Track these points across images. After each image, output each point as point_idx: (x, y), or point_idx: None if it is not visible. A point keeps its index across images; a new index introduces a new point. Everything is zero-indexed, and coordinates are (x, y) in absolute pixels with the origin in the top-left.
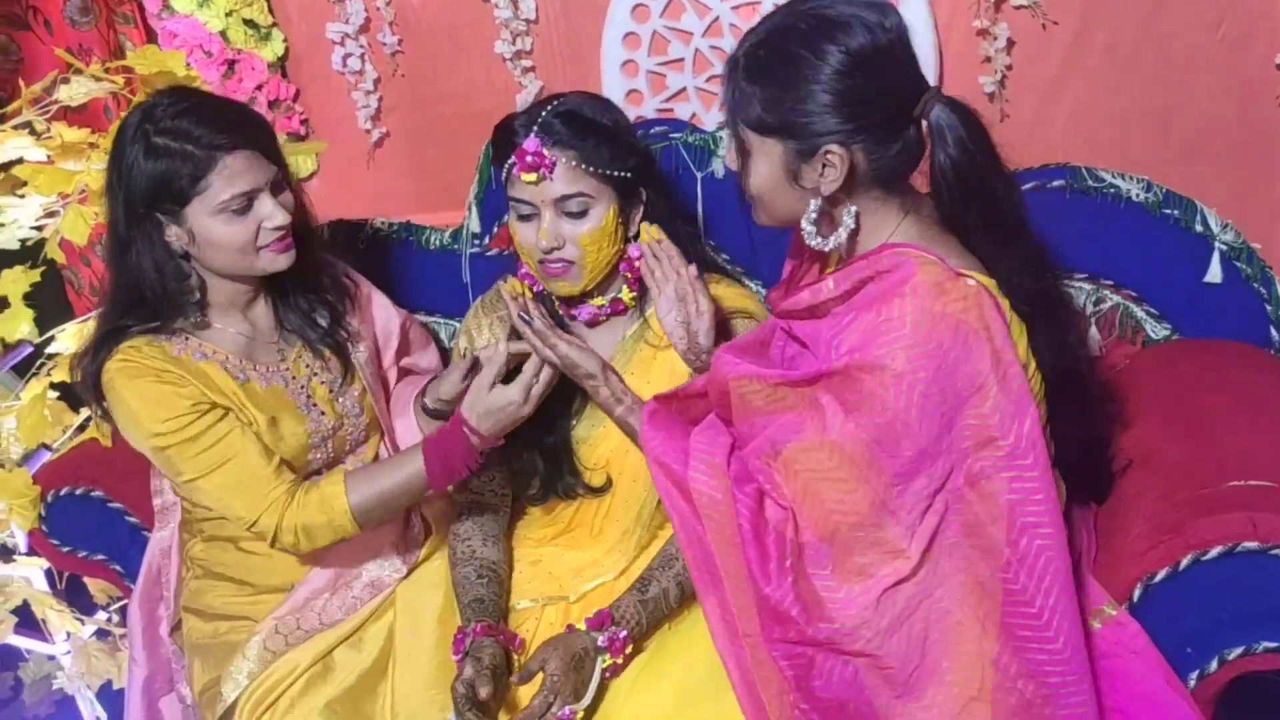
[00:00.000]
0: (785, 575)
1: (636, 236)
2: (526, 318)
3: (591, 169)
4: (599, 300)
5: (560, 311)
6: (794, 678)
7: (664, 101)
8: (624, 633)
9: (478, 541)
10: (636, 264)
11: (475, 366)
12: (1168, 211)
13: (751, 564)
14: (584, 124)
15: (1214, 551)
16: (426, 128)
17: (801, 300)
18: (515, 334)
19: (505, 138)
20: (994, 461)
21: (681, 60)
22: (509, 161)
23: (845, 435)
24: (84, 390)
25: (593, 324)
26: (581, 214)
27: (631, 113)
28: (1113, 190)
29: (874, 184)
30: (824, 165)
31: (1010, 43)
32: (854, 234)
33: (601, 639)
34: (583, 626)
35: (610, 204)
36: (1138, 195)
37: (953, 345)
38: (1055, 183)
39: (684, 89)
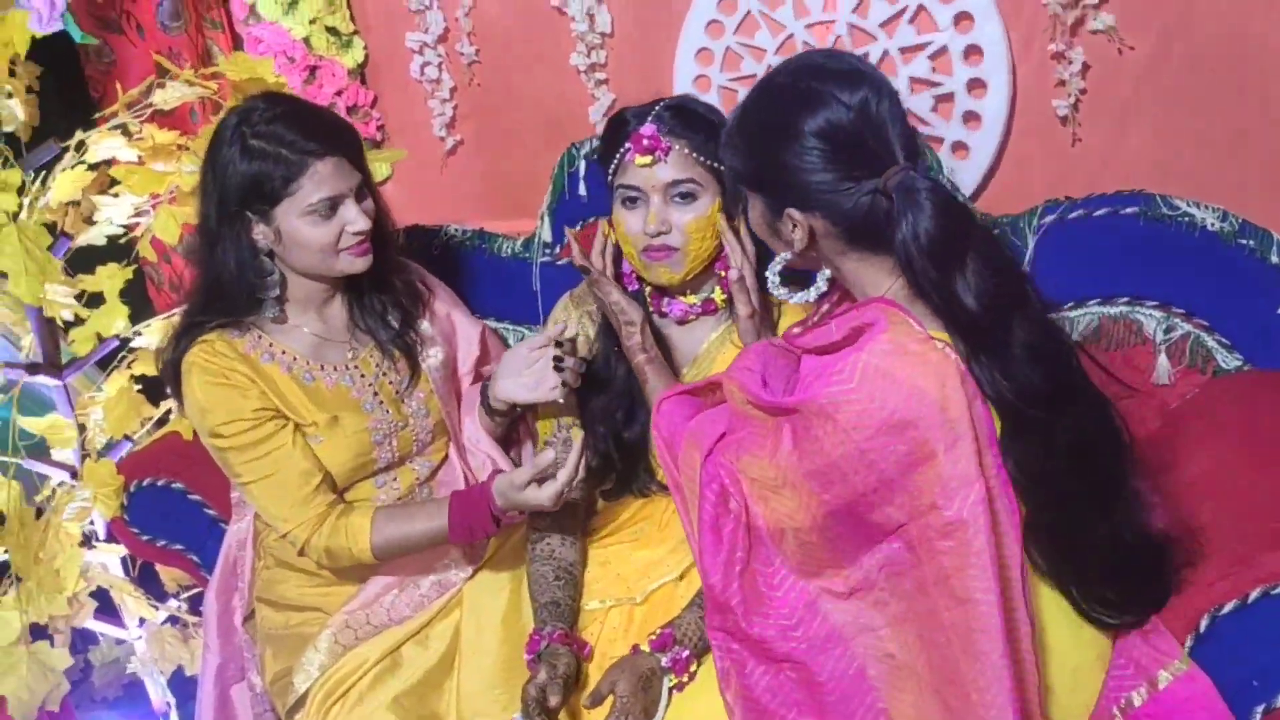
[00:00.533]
0: (734, 566)
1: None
2: (587, 264)
3: (701, 158)
4: (691, 298)
5: (653, 307)
6: (722, 671)
7: None
8: (686, 652)
9: (556, 540)
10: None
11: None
12: (1243, 241)
13: (705, 551)
14: (696, 117)
15: None
16: (500, 136)
17: (808, 341)
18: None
19: (617, 128)
20: (937, 528)
21: (754, 76)
22: (622, 148)
23: (790, 464)
24: (166, 380)
25: (683, 321)
26: (689, 200)
27: None
28: (1187, 219)
29: (850, 247)
30: (792, 224)
31: (1085, 66)
32: (839, 290)
33: (665, 659)
34: (646, 647)
35: (715, 196)
36: (1213, 224)
37: (897, 409)
38: (1128, 210)
39: None
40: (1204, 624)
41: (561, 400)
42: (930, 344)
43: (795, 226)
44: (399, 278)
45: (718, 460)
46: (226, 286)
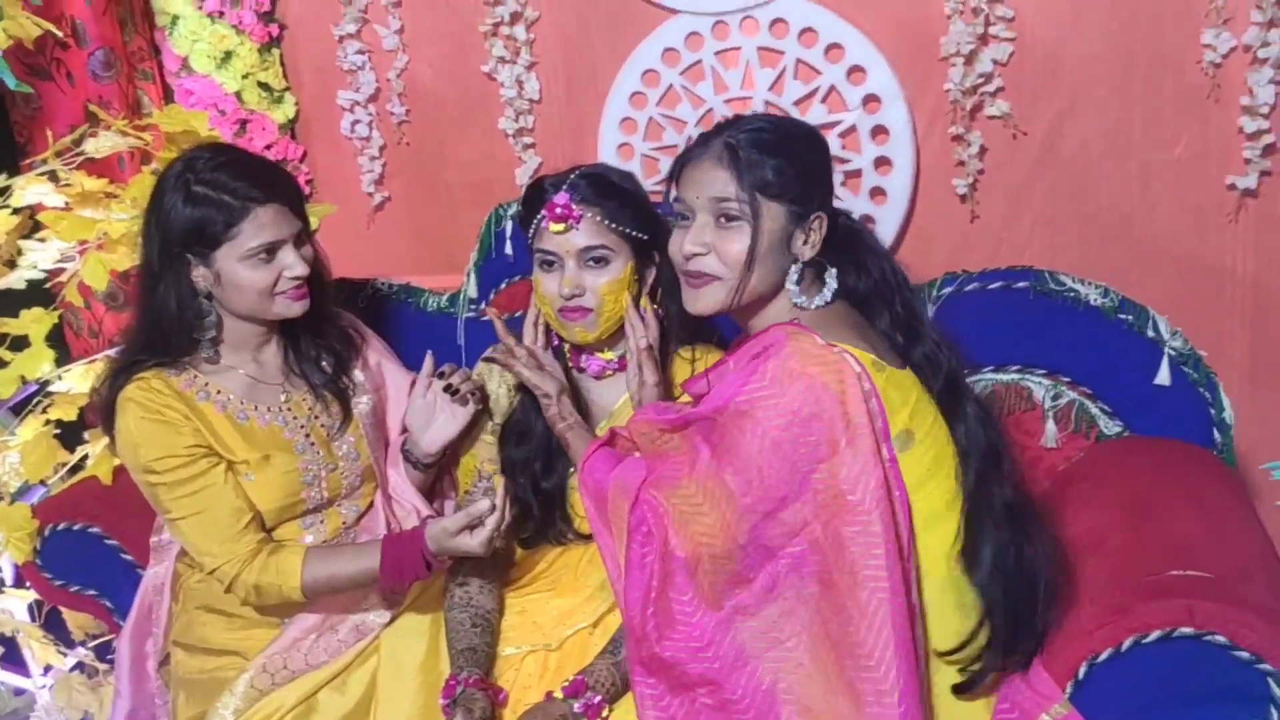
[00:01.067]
0: (650, 593)
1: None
2: (494, 354)
3: (613, 225)
4: (608, 354)
5: (570, 364)
6: (640, 703)
7: (657, 184)
8: (599, 697)
9: (475, 588)
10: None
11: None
12: (1123, 316)
13: (629, 587)
14: (609, 186)
15: (1154, 635)
16: (427, 194)
17: (703, 384)
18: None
19: (536, 195)
20: (842, 515)
21: (675, 146)
22: (539, 215)
23: (708, 471)
24: (99, 416)
25: (599, 377)
26: (601, 265)
27: None
28: (1073, 294)
29: (821, 255)
30: (809, 231)
31: (983, 149)
32: (757, 312)
33: (578, 705)
34: (559, 694)
35: (628, 260)
36: (1095, 300)
37: (804, 403)
38: (1020, 284)
39: None
40: (1082, 670)
41: (491, 425)
42: (829, 349)
43: (812, 232)
44: (334, 324)
45: (643, 499)
46: (165, 326)
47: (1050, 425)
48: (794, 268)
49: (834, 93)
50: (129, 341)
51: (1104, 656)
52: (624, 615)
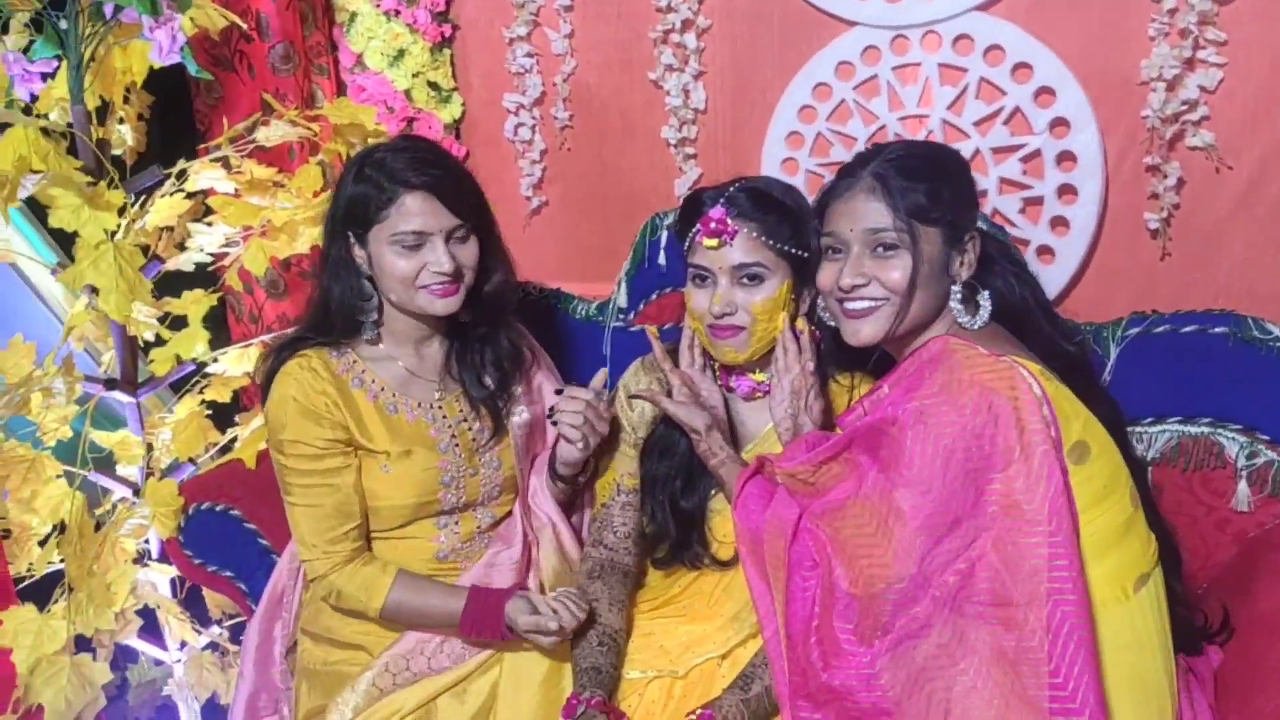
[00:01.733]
0: (812, 621)
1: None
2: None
3: (770, 241)
4: (759, 375)
5: (720, 383)
6: None
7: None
8: None
9: (604, 605)
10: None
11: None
12: None
13: (791, 618)
14: (767, 200)
15: None
16: (585, 201)
17: (859, 412)
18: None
19: (693, 207)
20: (1019, 526)
21: (841, 163)
22: (694, 229)
23: (874, 486)
24: (260, 386)
25: (749, 398)
26: (756, 283)
27: None
28: (1278, 343)
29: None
30: (964, 252)
31: (1181, 182)
32: (915, 339)
33: None
34: None
35: (784, 279)
36: None
37: (978, 410)
38: (1218, 329)
39: None
40: None
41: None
42: (997, 358)
43: (967, 254)
44: (507, 336)
45: (804, 529)
46: (331, 304)
47: (1243, 486)
48: (955, 289)
49: (1019, 114)
50: (302, 321)
51: None
52: (787, 649)
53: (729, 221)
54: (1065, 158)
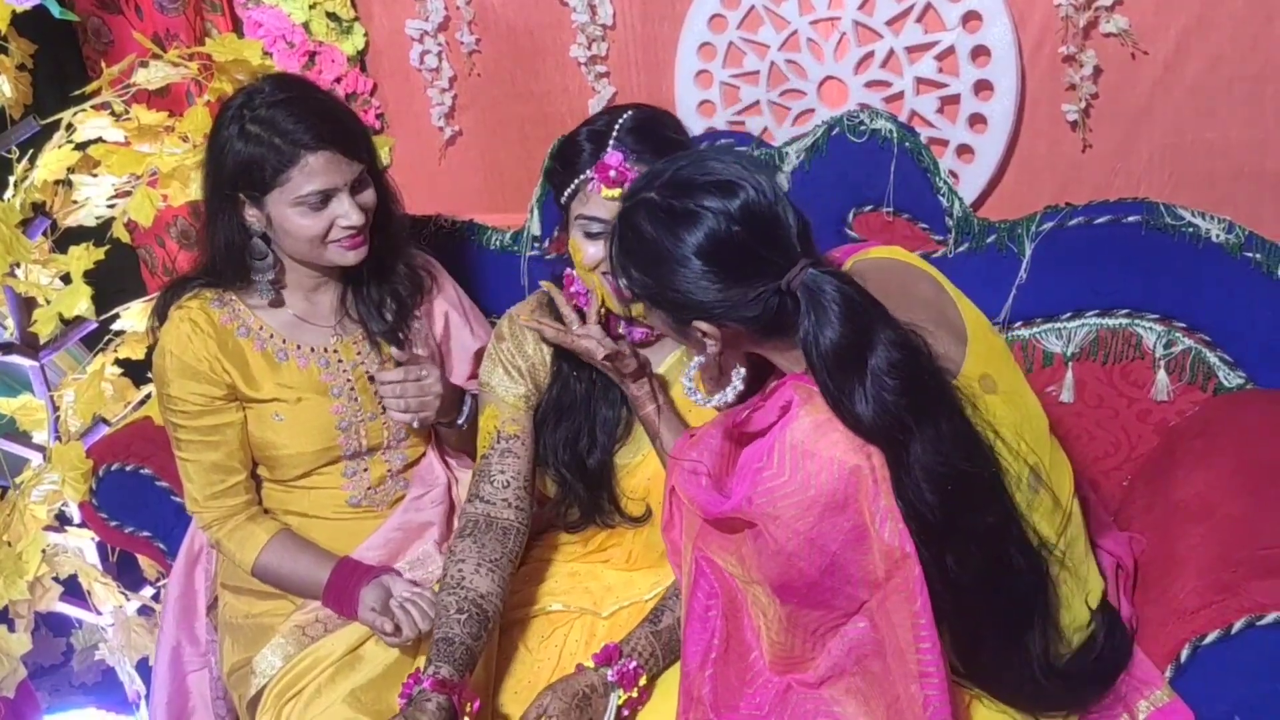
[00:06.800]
0: (710, 653)
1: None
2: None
3: None
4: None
5: (609, 331)
6: None
7: (736, 114)
8: (634, 663)
9: (470, 566)
10: None
11: None
12: (1249, 255)
13: (689, 639)
14: (661, 139)
15: (1270, 617)
16: (498, 128)
17: (750, 427)
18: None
19: (572, 154)
20: (891, 599)
21: (756, 73)
22: (582, 178)
23: (753, 563)
24: (150, 335)
25: (644, 344)
26: None
27: (703, 123)
28: (1191, 229)
29: (764, 340)
30: (701, 334)
31: (1097, 70)
32: (767, 376)
33: (610, 674)
34: (590, 663)
35: None
36: (1218, 236)
37: (834, 488)
38: (1131, 218)
39: (757, 102)
40: (1185, 654)
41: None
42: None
43: (706, 336)
44: (403, 263)
45: (703, 555)
46: (219, 263)
47: (1161, 376)
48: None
49: (930, 10)
50: (192, 269)
51: (1211, 638)
52: (682, 666)
53: (629, 167)
54: (979, 53)
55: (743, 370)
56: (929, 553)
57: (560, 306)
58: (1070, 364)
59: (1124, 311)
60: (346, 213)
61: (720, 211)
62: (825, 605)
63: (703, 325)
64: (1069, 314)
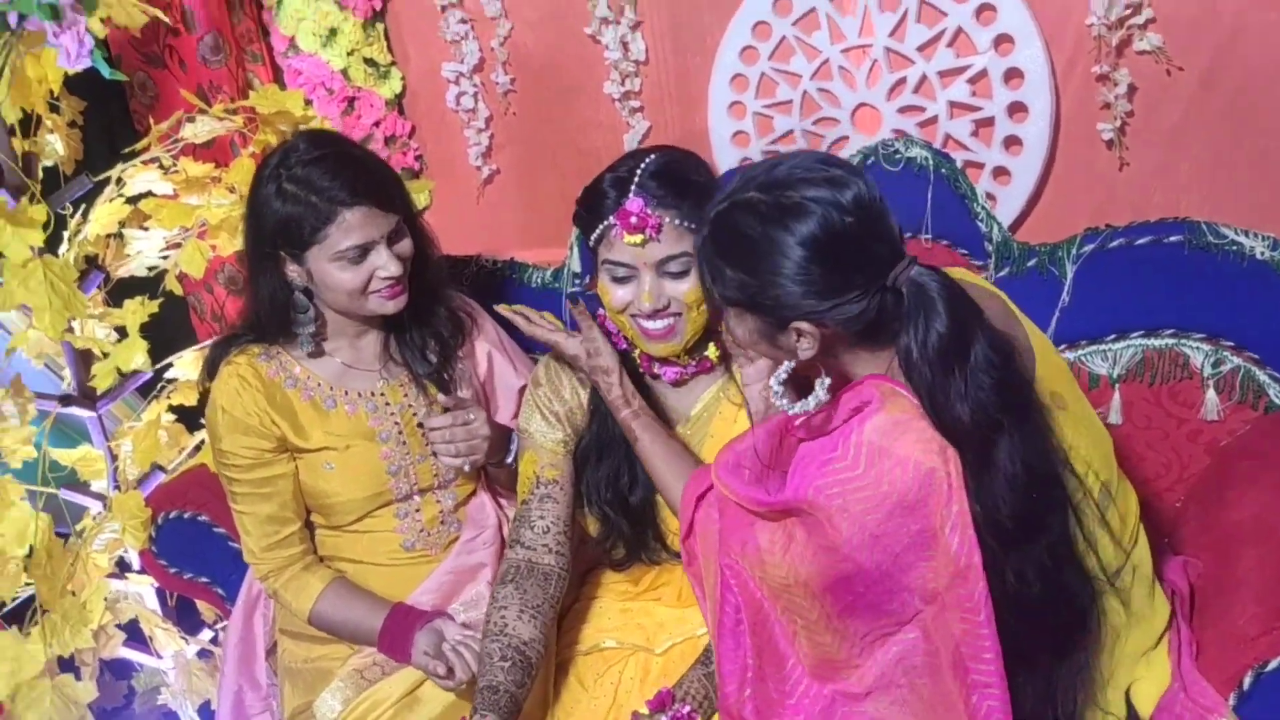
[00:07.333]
0: (746, 673)
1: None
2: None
3: (693, 225)
4: (685, 359)
5: (643, 369)
6: None
7: (770, 144)
8: (687, 708)
9: (513, 612)
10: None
11: None
12: None
13: (723, 657)
14: (683, 182)
15: None
16: (535, 166)
17: (809, 431)
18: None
19: (597, 201)
20: (952, 610)
21: (789, 102)
22: (605, 224)
23: (803, 559)
24: (201, 391)
25: (678, 384)
26: (683, 274)
27: (737, 154)
28: (1235, 247)
29: (858, 344)
30: (798, 335)
31: (1132, 89)
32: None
33: (665, 719)
34: (645, 709)
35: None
36: (1262, 253)
37: (909, 488)
38: (1173, 238)
39: (791, 131)
40: (1248, 680)
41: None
42: (928, 419)
43: (803, 337)
44: (444, 307)
45: (728, 563)
46: (263, 319)
47: (1211, 395)
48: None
49: (961, 35)
50: (238, 321)
51: (1274, 665)
52: (718, 686)
53: (650, 213)
54: (1012, 75)
55: (827, 380)
56: (992, 565)
57: (583, 326)
58: (1117, 386)
59: (1170, 331)
60: (385, 264)
61: (831, 203)
62: (876, 609)
63: (802, 325)
64: (1113, 335)
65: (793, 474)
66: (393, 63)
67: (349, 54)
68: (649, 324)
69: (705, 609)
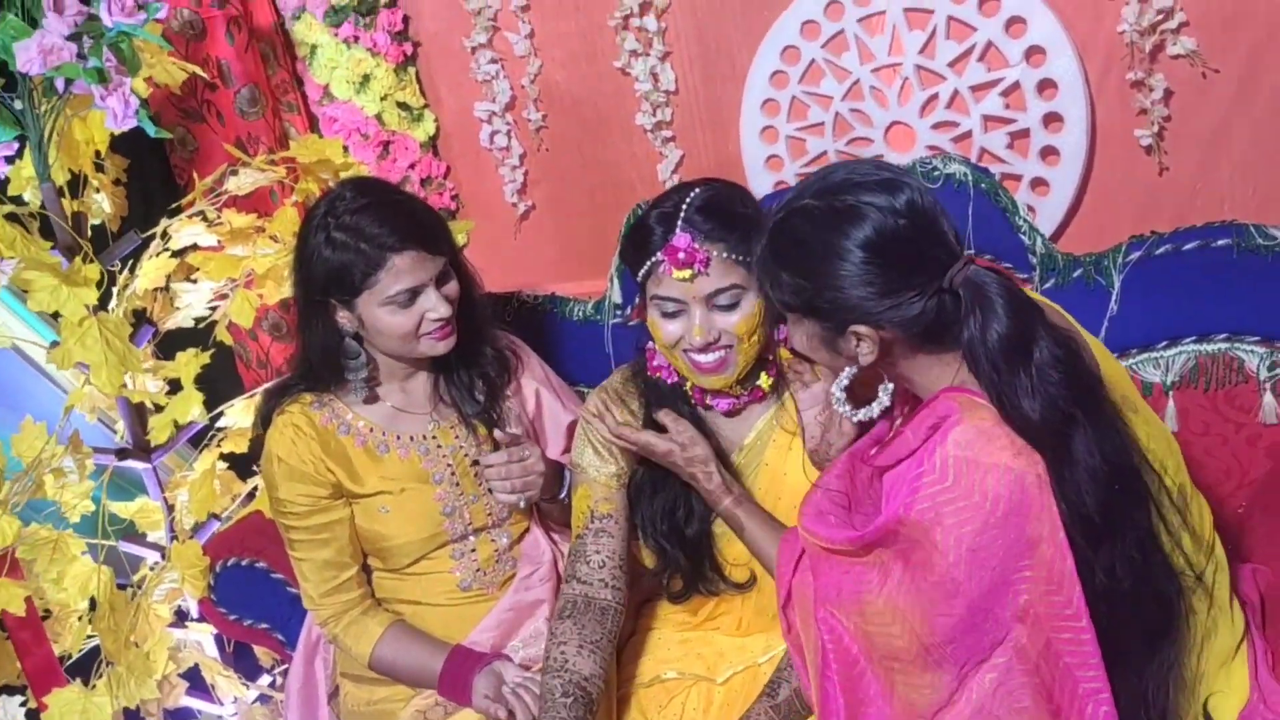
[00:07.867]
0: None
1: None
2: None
3: (741, 258)
4: (738, 389)
5: (695, 400)
6: None
7: (803, 166)
8: None
9: (572, 648)
10: (780, 344)
11: None
12: None
13: (827, 699)
14: (729, 215)
15: None
16: (570, 199)
17: (888, 459)
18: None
19: (643, 237)
20: (1051, 622)
21: (821, 125)
22: (653, 260)
23: (901, 589)
24: (255, 441)
25: (731, 414)
26: (733, 306)
27: (771, 178)
28: None
29: (919, 348)
30: (857, 340)
31: (1168, 93)
32: (912, 391)
33: None
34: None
35: (759, 293)
36: None
37: (1000, 495)
38: (1221, 241)
39: (824, 153)
40: None
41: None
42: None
43: (862, 341)
44: (490, 347)
45: (823, 616)
46: (315, 366)
47: (1269, 398)
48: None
49: (992, 48)
50: (290, 369)
51: None
52: None
53: (698, 247)
54: (1046, 85)
55: (890, 386)
56: (1082, 563)
57: (669, 423)
58: (1171, 393)
59: (1222, 336)
60: (434, 306)
61: (885, 207)
62: (977, 631)
63: (861, 328)
64: (1165, 343)
65: (886, 502)
66: (425, 105)
67: (382, 99)
68: (701, 358)
69: (805, 677)
